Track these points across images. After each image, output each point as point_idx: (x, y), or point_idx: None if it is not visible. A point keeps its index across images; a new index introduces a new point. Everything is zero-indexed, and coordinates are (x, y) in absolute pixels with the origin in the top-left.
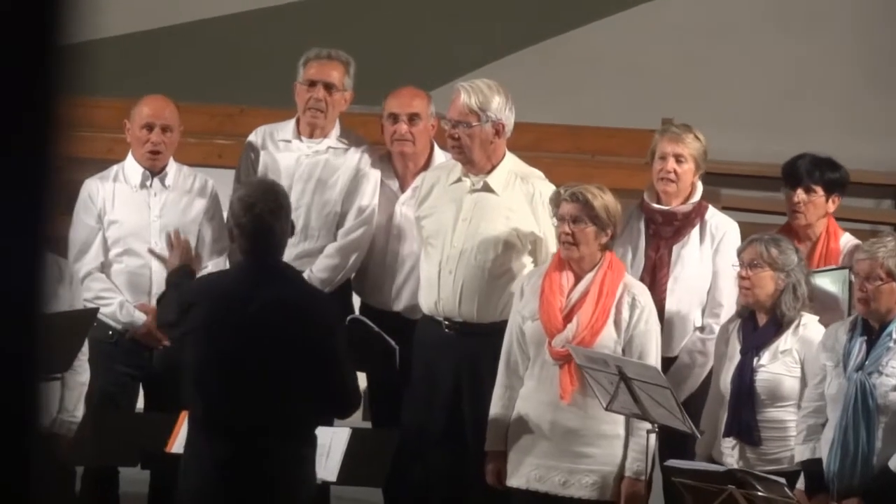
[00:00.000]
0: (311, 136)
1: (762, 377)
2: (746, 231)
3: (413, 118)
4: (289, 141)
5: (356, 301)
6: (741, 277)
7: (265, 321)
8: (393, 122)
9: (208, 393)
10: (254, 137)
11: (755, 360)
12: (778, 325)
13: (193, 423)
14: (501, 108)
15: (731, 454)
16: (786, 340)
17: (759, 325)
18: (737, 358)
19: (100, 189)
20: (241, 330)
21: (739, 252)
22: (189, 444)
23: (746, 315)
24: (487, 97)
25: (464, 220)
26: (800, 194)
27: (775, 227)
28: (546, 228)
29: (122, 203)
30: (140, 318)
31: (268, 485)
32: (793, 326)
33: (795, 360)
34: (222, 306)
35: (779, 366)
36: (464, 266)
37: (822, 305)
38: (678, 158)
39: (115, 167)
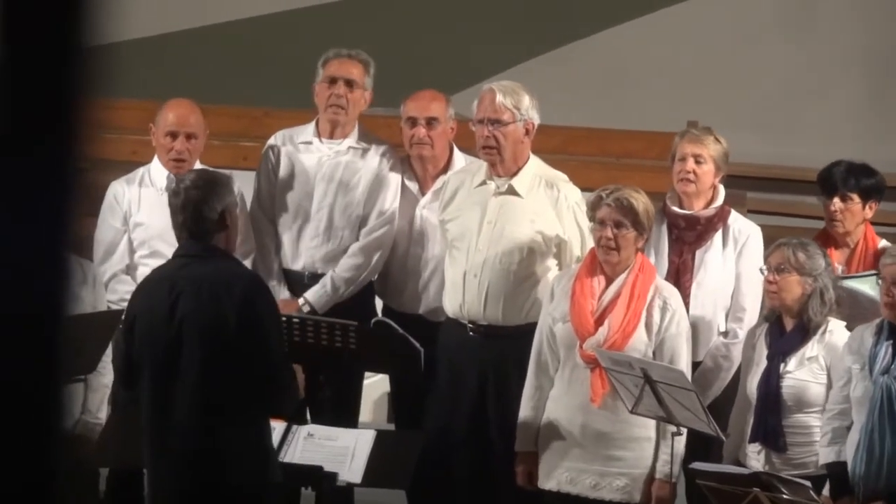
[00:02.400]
0: (331, 136)
1: (788, 384)
2: (772, 234)
3: (431, 122)
4: (309, 142)
5: (378, 304)
6: (768, 282)
7: (184, 304)
8: (411, 125)
9: (145, 382)
10: (274, 141)
11: (782, 366)
12: (805, 330)
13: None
14: (531, 108)
15: (756, 458)
16: (812, 347)
17: (786, 331)
18: (763, 363)
19: (125, 191)
20: (165, 316)
21: (767, 256)
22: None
23: (773, 320)
24: (520, 96)
25: (489, 223)
26: (836, 203)
27: (801, 231)
28: (571, 232)
29: (148, 205)
30: None
31: (217, 481)
32: (819, 332)
33: (822, 366)
34: (152, 294)
35: (805, 372)
36: (489, 269)
37: (863, 311)
38: (697, 159)
39: (140, 170)
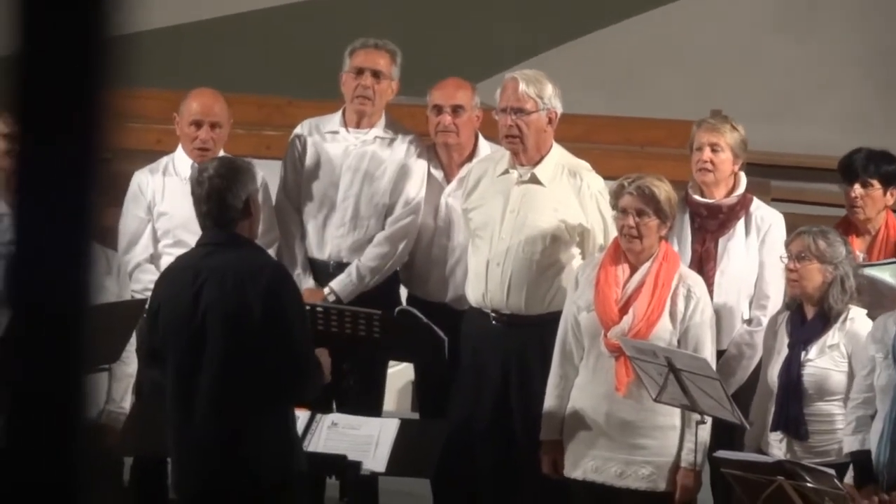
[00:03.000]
0: (357, 125)
1: (809, 372)
2: (796, 223)
3: (457, 109)
4: (336, 132)
5: (403, 293)
6: (789, 270)
7: (209, 293)
8: (437, 113)
9: (169, 371)
10: (300, 130)
11: (803, 354)
12: (826, 318)
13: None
14: (553, 97)
15: (778, 447)
16: (833, 335)
17: (807, 319)
18: (785, 351)
19: (149, 181)
20: (189, 304)
21: (787, 244)
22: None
23: (794, 308)
24: (542, 85)
25: (511, 212)
26: (857, 189)
27: (826, 219)
28: (594, 220)
29: (172, 195)
30: None
31: (242, 471)
32: (840, 320)
33: (843, 354)
34: (176, 282)
35: (826, 360)
36: (512, 258)
37: (883, 298)
38: (714, 148)
39: (164, 159)
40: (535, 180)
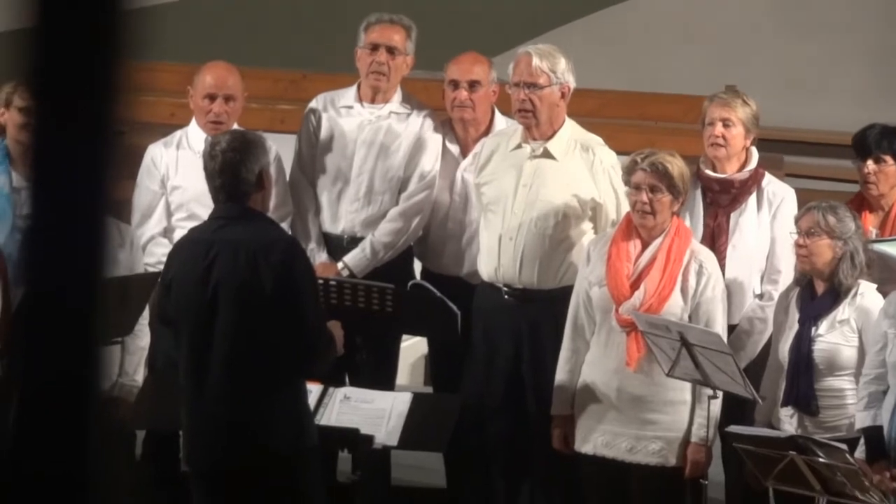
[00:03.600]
0: (372, 101)
1: (820, 347)
2: (810, 198)
3: (473, 85)
4: (350, 107)
5: (417, 266)
6: (798, 245)
7: (221, 265)
8: (453, 88)
9: (182, 344)
10: (315, 104)
11: (813, 329)
12: (836, 293)
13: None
14: (567, 71)
15: (789, 422)
16: (843, 310)
17: (817, 294)
18: (795, 327)
19: (163, 154)
20: (202, 277)
21: (797, 220)
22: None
23: (804, 283)
24: (556, 59)
25: (524, 186)
26: (870, 165)
27: (839, 195)
28: (606, 195)
29: (186, 168)
30: None
31: (253, 444)
32: (850, 295)
33: (853, 329)
34: (189, 255)
35: (836, 335)
36: (524, 233)
37: (893, 274)
38: (725, 123)
39: (178, 133)
40: (547, 155)
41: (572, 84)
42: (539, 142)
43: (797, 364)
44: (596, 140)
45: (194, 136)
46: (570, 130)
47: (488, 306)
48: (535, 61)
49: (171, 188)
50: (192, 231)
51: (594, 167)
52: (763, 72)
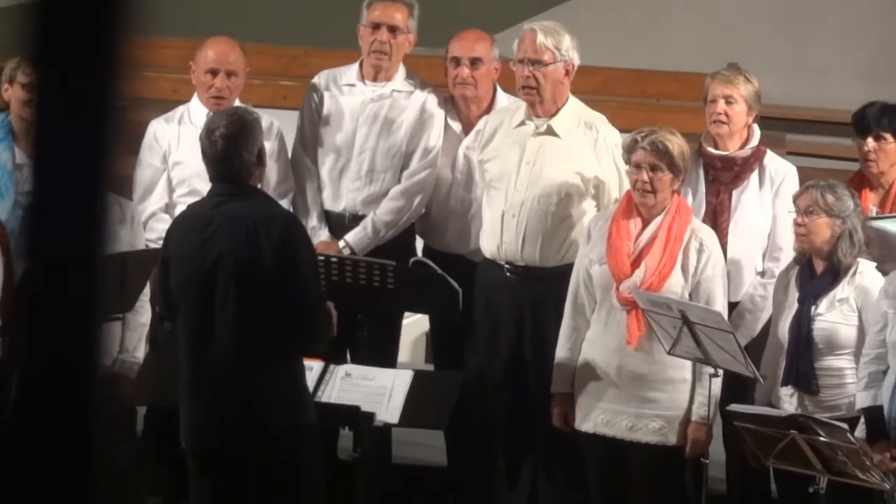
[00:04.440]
0: (374, 79)
1: (819, 326)
2: (811, 176)
3: (475, 62)
4: (353, 85)
5: (419, 244)
6: (797, 224)
7: (221, 241)
8: (455, 65)
9: (182, 320)
10: (317, 80)
11: (812, 308)
12: (835, 272)
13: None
14: (571, 48)
15: (789, 402)
16: (843, 289)
17: (816, 273)
18: (795, 306)
19: (165, 130)
20: (201, 252)
21: (795, 198)
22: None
23: (804, 262)
24: (560, 36)
25: (527, 163)
26: (870, 143)
27: (840, 173)
28: (609, 173)
29: (188, 144)
30: None
31: (251, 408)
32: (849, 274)
33: (852, 308)
34: (189, 230)
35: (836, 314)
36: (527, 210)
37: (893, 251)
38: (728, 100)
39: (180, 108)
40: (551, 132)
41: (576, 61)
42: (542, 119)
43: (797, 343)
44: (600, 118)
45: (196, 112)
46: (574, 108)
47: (490, 283)
48: (540, 38)
49: (173, 164)
50: (191, 206)
51: (598, 145)
52: (765, 50)
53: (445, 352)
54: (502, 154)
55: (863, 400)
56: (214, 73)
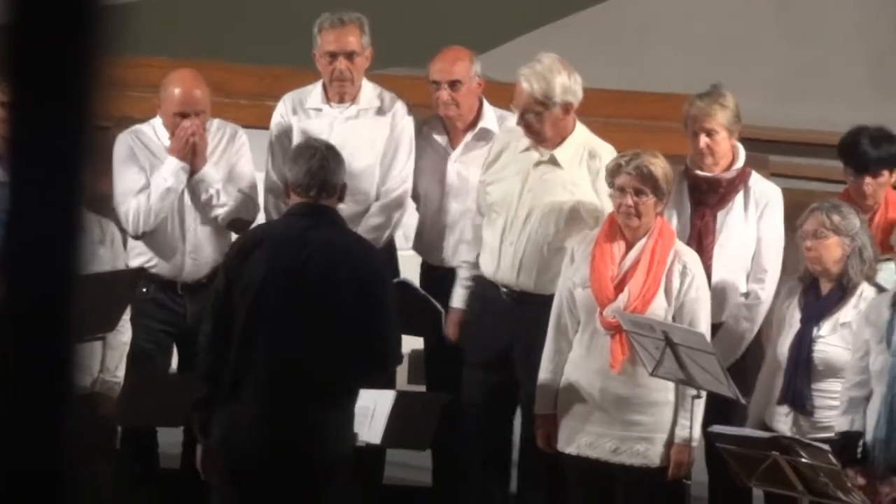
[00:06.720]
0: (340, 101)
1: (820, 349)
2: (795, 198)
3: (454, 84)
4: (319, 109)
5: (409, 263)
6: (806, 248)
7: (317, 263)
8: (436, 88)
9: (266, 335)
10: (283, 105)
11: (815, 330)
12: (842, 290)
13: (241, 368)
14: (566, 89)
15: (784, 421)
16: (846, 313)
17: (822, 294)
18: (796, 326)
19: (137, 143)
20: (295, 271)
21: (801, 224)
22: (230, 394)
23: (809, 282)
24: (550, 83)
25: (528, 191)
26: (869, 182)
27: (822, 194)
28: (607, 203)
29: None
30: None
31: (309, 439)
32: (855, 296)
33: (854, 333)
34: (281, 248)
35: (837, 339)
36: (525, 239)
37: None
38: (709, 133)
39: (145, 127)
40: (554, 162)
41: (576, 99)
42: (547, 149)
43: (796, 363)
44: (605, 147)
45: (162, 133)
46: (580, 137)
47: (485, 300)
48: (527, 89)
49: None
50: (272, 227)
51: (600, 175)
52: (747, 72)
53: (438, 373)
54: (506, 179)
55: (840, 425)
56: (184, 115)
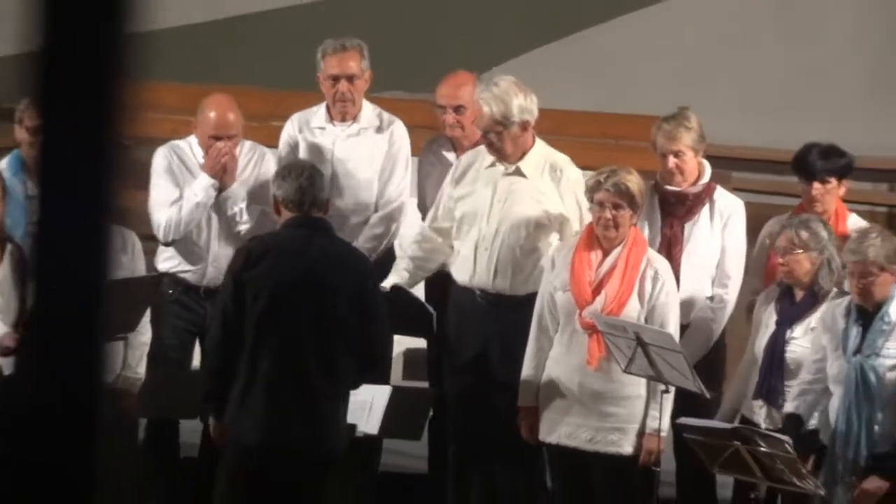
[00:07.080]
0: (343, 120)
1: (791, 349)
2: (755, 212)
3: (458, 108)
4: (323, 128)
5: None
6: (780, 264)
7: (318, 271)
8: (442, 112)
9: (276, 336)
10: (291, 124)
11: (788, 332)
12: (814, 297)
13: (251, 367)
14: (523, 109)
15: (759, 413)
16: (817, 318)
17: (796, 300)
18: (772, 327)
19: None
20: (301, 278)
21: (773, 241)
22: (241, 391)
23: (784, 287)
24: (507, 105)
25: (499, 201)
26: (817, 187)
27: (783, 209)
28: (571, 210)
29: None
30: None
31: (316, 433)
32: (826, 302)
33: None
34: (287, 257)
35: (807, 341)
36: (498, 244)
37: None
38: (676, 154)
39: (183, 144)
40: (519, 173)
41: (532, 117)
42: (511, 164)
43: (771, 361)
44: (564, 159)
45: (198, 150)
46: (540, 151)
47: (462, 306)
48: (486, 112)
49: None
50: (276, 238)
51: (562, 185)
52: (713, 94)
53: (428, 370)
54: (476, 193)
55: (786, 407)
56: (217, 138)
